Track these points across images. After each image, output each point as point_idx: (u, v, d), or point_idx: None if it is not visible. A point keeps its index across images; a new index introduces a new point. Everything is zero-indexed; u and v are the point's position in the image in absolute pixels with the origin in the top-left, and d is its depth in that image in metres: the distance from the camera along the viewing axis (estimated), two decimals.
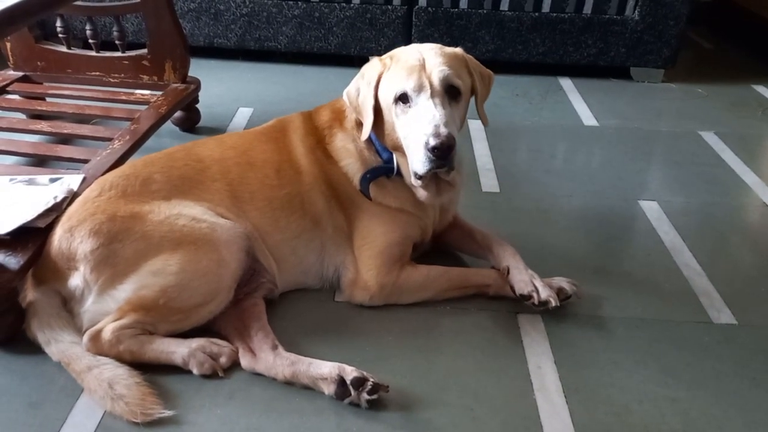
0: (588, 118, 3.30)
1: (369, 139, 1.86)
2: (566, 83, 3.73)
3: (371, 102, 1.79)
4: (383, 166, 1.87)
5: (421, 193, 1.83)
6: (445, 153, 1.65)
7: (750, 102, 3.59)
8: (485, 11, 3.61)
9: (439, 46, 1.81)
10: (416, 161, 1.71)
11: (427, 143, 1.65)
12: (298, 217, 1.87)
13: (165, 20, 2.73)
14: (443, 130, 1.64)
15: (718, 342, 1.83)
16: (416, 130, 1.70)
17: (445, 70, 1.72)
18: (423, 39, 3.59)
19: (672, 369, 1.72)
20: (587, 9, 3.58)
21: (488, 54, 3.67)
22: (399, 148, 1.81)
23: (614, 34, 3.62)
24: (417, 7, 3.63)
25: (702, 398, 1.64)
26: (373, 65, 1.83)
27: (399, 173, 1.86)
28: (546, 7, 3.58)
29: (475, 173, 2.69)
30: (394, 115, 1.76)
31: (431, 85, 1.70)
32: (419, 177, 1.75)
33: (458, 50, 1.84)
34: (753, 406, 1.63)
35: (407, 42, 3.64)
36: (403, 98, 1.73)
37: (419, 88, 1.71)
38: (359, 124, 1.87)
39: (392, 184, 1.88)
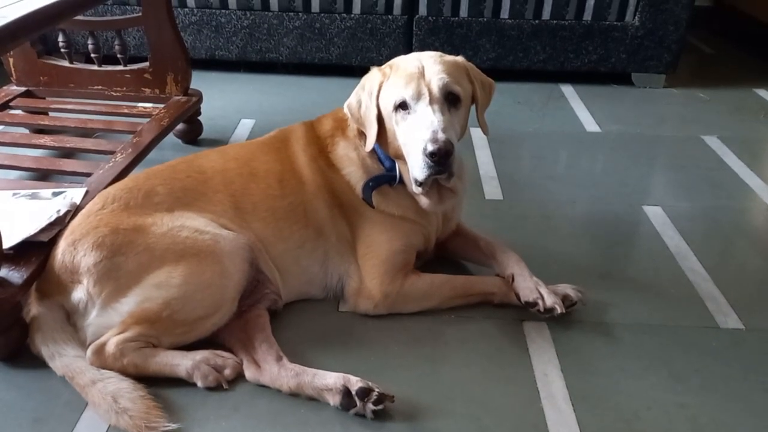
0: (590, 124, 3.30)
1: (372, 148, 1.86)
2: (567, 90, 3.73)
3: (374, 112, 1.79)
4: (386, 174, 1.87)
5: (424, 201, 1.83)
6: (443, 158, 1.65)
7: (752, 105, 3.59)
8: (485, 19, 3.61)
9: (439, 53, 1.82)
10: (416, 167, 1.71)
11: (425, 149, 1.65)
12: (301, 226, 1.86)
13: (166, 33, 2.74)
14: (441, 136, 1.64)
15: (726, 347, 1.81)
16: (415, 137, 1.70)
17: (444, 78, 1.72)
18: (424, 48, 3.60)
19: (680, 375, 1.71)
20: (587, 15, 3.58)
21: (489, 62, 3.68)
22: (401, 156, 1.81)
23: (615, 40, 3.63)
24: (417, 16, 3.64)
25: (711, 404, 1.62)
26: (373, 76, 1.84)
27: (402, 181, 1.86)
28: (546, 15, 3.59)
29: (478, 181, 2.69)
30: (394, 122, 1.77)
31: (430, 92, 1.71)
32: (419, 184, 1.75)
33: (459, 58, 1.85)
34: (762, 410, 1.61)
35: (408, 51, 3.63)
36: (402, 106, 1.74)
37: (418, 96, 1.71)
38: (361, 133, 1.87)
39: (395, 192, 1.88)
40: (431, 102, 1.70)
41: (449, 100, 1.74)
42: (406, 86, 1.72)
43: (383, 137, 1.83)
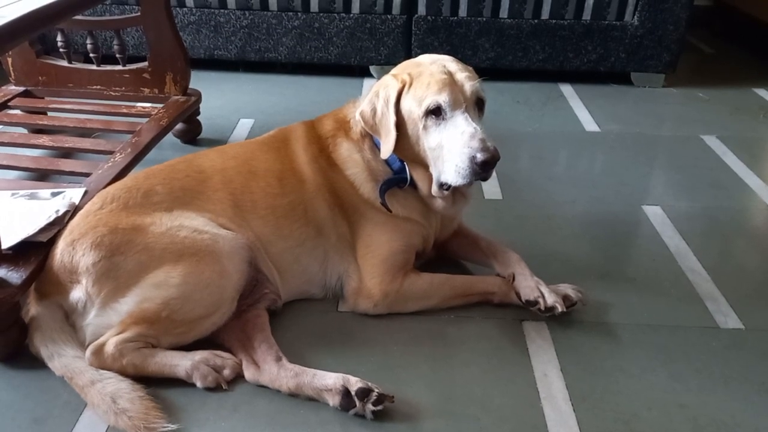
0: (589, 123, 3.30)
1: (377, 149, 1.85)
2: (567, 89, 3.73)
3: (393, 118, 1.76)
4: (396, 177, 1.86)
5: (439, 203, 1.84)
6: (492, 166, 1.67)
7: (751, 105, 3.59)
8: (484, 19, 3.61)
9: (453, 58, 1.81)
10: (452, 173, 1.70)
11: (474, 158, 1.65)
12: (301, 225, 1.86)
13: (165, 33, 2.74)
14: (490, 145, 1.65)
15: (726, 347, 1.81)
16: (457, 144, 1.68)
17: (475, 84, 1.73)
18: (423, 47, 3.60)
19: (680, 375, 1.71)
20: (586, 15, 3.58)
21: (488, 62, 3.68)
22: (418, 161, 1.80)
23: (614, 40, 3.63)
24: (416, 16, 3.64)
25: (711, 404, 1.62)
26: (388, 83, 1.80)
27: (411, 183, 1.85)
28: (545, 14, 3.59)
29: (477, 181, 2.68)
30: (421, 128, 1.74)
31: (465, 99, 1.71)
32: (447, 188, 1.76)
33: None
34: (763, 410, 1.61)
35: (407, 51, 3.65)
36: (435, 112, 1.71)
37: (454, 102, 1.70)
38: (365, 135, 1.87)
39: (402, 193, 1.88)
40: (467, 109, 1.70)
41: (478, 105, 1.75)
42: (439, 92, 1.70)
43: (398, 142, 1.79)
